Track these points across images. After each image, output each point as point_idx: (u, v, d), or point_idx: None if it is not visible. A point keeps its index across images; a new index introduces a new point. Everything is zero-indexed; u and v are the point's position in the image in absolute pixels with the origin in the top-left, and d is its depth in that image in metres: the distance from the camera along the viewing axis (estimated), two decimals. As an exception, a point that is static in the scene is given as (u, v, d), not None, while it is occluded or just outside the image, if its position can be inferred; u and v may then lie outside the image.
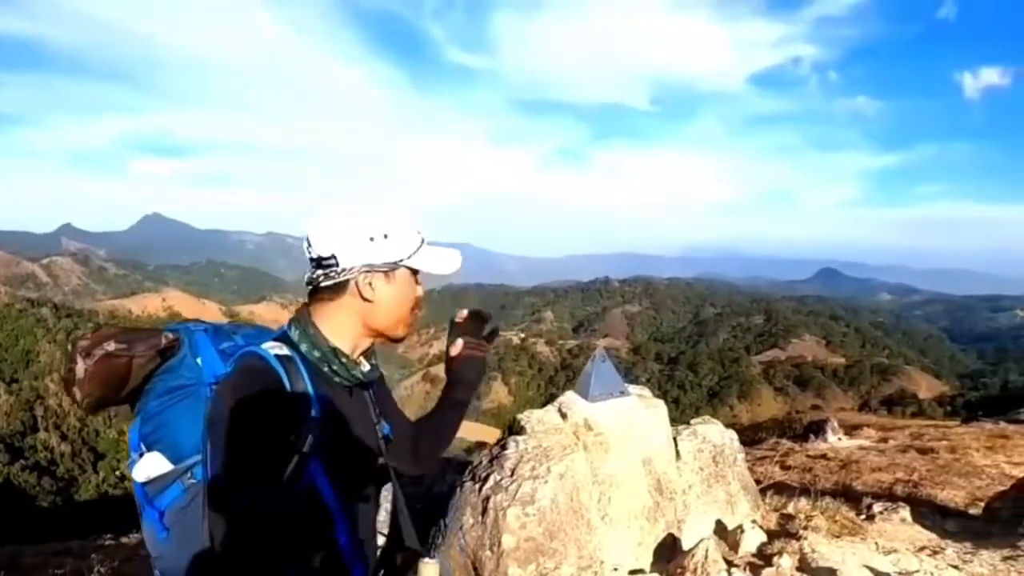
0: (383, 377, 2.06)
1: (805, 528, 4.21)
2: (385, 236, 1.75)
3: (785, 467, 8.77)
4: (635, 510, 3.58)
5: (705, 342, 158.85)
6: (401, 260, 1.77)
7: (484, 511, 3.33)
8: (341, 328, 1.78)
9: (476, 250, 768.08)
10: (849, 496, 5.96)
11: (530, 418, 3.76)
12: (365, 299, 1.77)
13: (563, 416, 3.73)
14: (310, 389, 1.67)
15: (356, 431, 1.82)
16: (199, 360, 1.82)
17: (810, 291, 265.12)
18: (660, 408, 4.00)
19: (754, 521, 4.05)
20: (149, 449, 1.76)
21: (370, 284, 1.75)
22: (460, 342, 2.05)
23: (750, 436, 16.22)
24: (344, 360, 1.76)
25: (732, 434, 4.37)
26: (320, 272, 1.76)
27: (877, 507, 4.96)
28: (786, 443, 11.34)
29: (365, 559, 1.79)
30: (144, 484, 1.75)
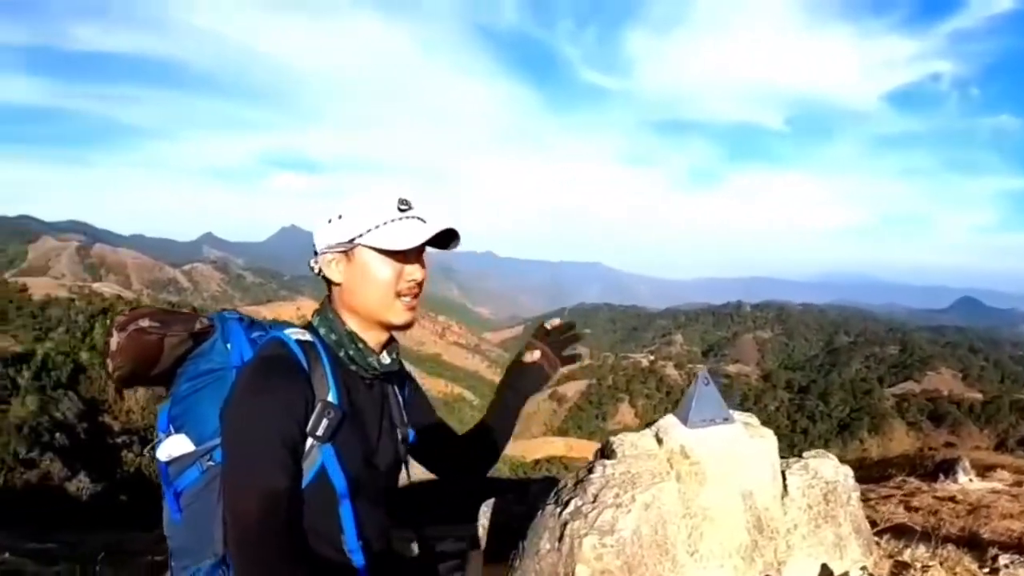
0: (414, 380, 2.18)
1: (919, 580, 3.86)
2: (340, 217, 1.81)
3: (910, 508, 8.27)
4: (730, 548, 3.31)
5: (837, 371, 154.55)
6: (354, 238, 1.79)
7: (561, 537, 3.14)
8: (344, 314, 1.86)
9: (607, 270, 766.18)
10: (975, 544, 5.49)
11: (623, 441, 3.54)
12: (335, 282, 1.85)
13: (659, 441, 3.49)
14: (329, 375, 1.75)
15: (373, 424, 1.91)
16: (228, 345, 1.88)
17: (948, 321, 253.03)
18: (767, 438, 3.71)
19: (864, 568, 3.71)
20: (176, 431, 1.84)
21: (335, 266, 1.84)
22: (538, 352, 2.01)
23: (878, 472, 15.51)
24: (360, 346, 1.84)
25: (847, 470, 4.02)
26: (312, 262, 1.89)
27: (1003, 559, 4.52)
28: (913, 482, 10.74)
29: (368, 552, 1.83)
30: (167, 464, 1.83)
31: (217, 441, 1.72)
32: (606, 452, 3.72)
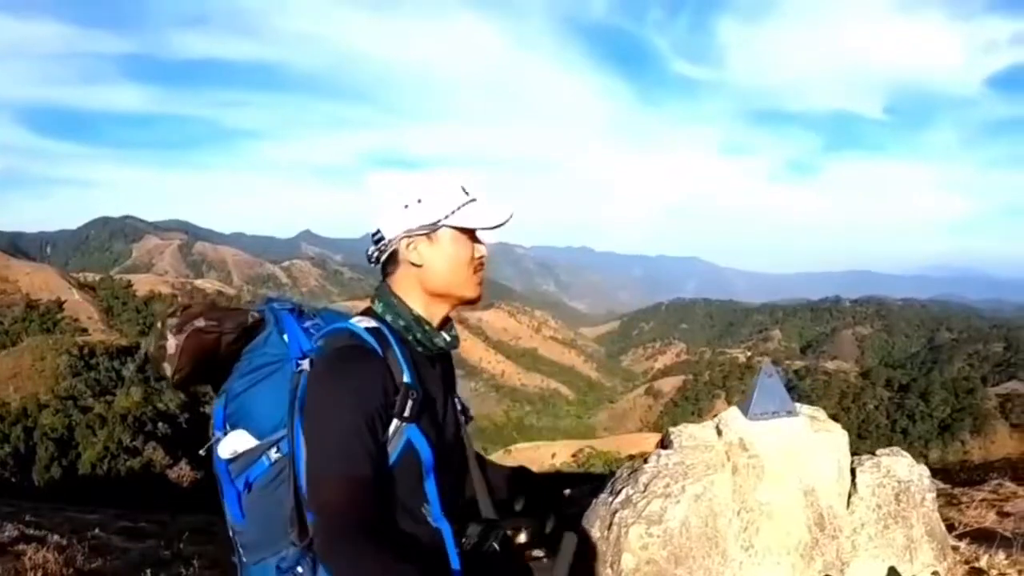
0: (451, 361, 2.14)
1: (993, 588, 3.67)
2: (419, 201, 1.86)
3: (1001, 513, 7.92)
4: (788, 545, 3.22)
5: (939, 370, 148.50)
6: (438, 221, 1.86)
7: (610, 526, 3.12)
8: (410, 297, 1.89)
9: (704, 264, 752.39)
10: (1065, 554, 5.22)
11: (681, 432, 3.49)
12: (414, 264, 1.87)
13: (719, 433, 3.43)
14: (401, 357, 1.78)
15: (440, 400, 1.93)
16: (285, 336, 1.89)
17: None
18: (835, 433, 3.60)
19: (935, 573, 3.58)
20: (234, 427, 1.84)
21: (415, 249, 1.87)
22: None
23: (978, 475, 14.97)
24: (427, 328, 1.88)
25: (923, 470, 3.89)
26: (374, 249, 1.92)
27: (1094, 571, 4.28)
28: (1010, 486, 10.29)
29: (452, 520, 1.85)
30: (229, 461, 1.83)
31: (282, 433, 1.76)
32: (665, 442, 3.66)
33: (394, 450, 1.73)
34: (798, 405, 3.59)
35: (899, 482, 3.71)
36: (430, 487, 1.80)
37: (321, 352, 1.78)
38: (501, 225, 1.91)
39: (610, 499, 3.25)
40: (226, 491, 1.87)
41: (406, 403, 1.72)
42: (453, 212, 1.85)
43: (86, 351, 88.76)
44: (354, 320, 1.84)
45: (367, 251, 1.94)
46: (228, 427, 1.85)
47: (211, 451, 1.91)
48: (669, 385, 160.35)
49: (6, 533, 7.92)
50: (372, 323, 1.82)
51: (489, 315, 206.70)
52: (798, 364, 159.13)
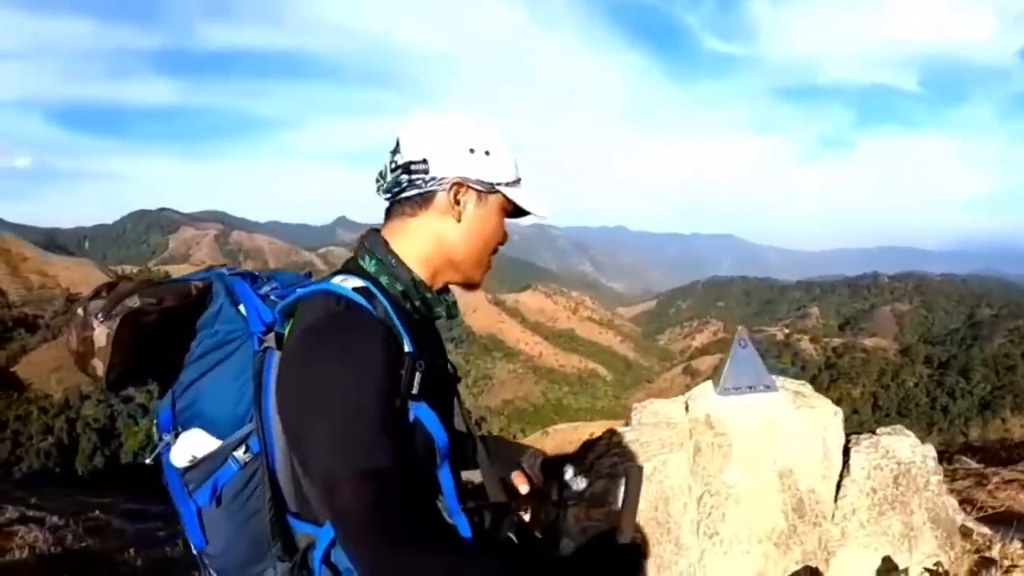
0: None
1: (999, 584, 3.32)
2: (487, 152, 1.55)
3: (1032, 496, 7.56)
4: (759, 532, 2.91)
5: (979, 346, 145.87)
6: (498, 184, 1.57)
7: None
8: (419, 252, 1.57)
9: (739, 242, 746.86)
10: (1091, 541, 4.83)
11: (643, 409, 3.18)
12: (452, 217, 1.56)
13: (687, 409, 3.10)
14: (398, 323, 1.43)
15: (442, 371, 1.63)
16: (241, 308, 1.51)
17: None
18: (820, 409, 3.25)
19: (938, 563, 3.23)
20: (185, 427, 1.46)
21: (462, 200, 1.56)
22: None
23: (1018, 454, 14.59)
24: (428, 295, 1.57)
25: (928, 450, 3.53)
26: (406, 178, 1.53)
27: (1120, 560, 3.91)
28: (1043, 466, 9.91)
29: (467, 512, 1.53)
30: (185, 470, 1.46)
31: (248, 428, 1.41)
32: (629, 420, 3.33)
33: (404, 435, 1.39)
34: (779, 378, 3.25)
35: (899, 464, 3.36)
36: (444, 476, 1.49)
37: (301, 323, 1.39)
38: (543, 219, 1.69)
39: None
40: (183, 510, 1.50)
41: (413, 377, 1.38)
42: (510, 182, 1.58)
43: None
44: (338, 281, 1.44)
45: (384, 172, 1.57)
46: (178, 427, 1.47)
47: (160, 460, 1.51)
48: (706, 364, 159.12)
49: (6, 515, 8.05)
50: (358, 282, 1.45)
51: (526, 296, 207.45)
52: (836, 341, 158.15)
